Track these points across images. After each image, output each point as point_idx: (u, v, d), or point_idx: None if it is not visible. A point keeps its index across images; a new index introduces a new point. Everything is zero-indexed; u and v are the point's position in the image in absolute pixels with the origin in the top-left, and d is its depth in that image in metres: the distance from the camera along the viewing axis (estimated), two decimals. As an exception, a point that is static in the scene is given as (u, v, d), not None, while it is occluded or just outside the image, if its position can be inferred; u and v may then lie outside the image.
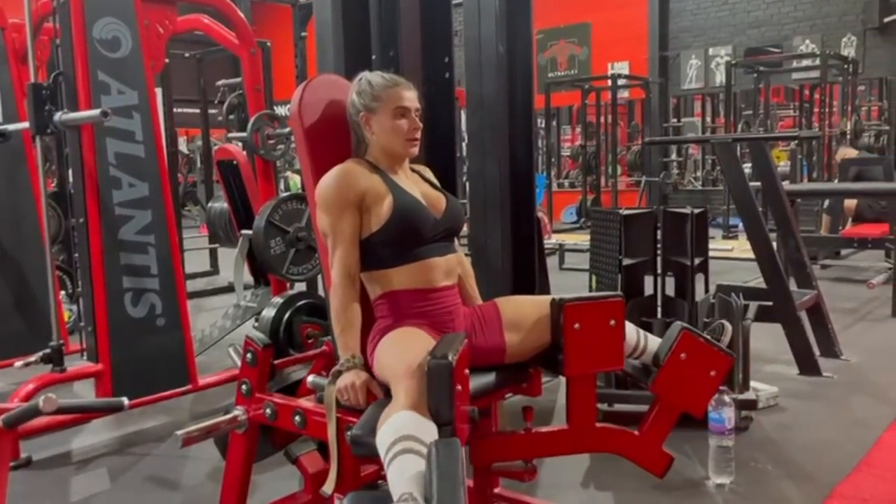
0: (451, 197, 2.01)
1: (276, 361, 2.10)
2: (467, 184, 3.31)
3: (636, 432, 1.87)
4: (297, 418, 1.91)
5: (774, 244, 3.73)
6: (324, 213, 1.87)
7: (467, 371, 1.66)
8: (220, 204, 4.46)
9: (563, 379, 1.89)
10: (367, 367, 1.83)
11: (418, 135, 1.94)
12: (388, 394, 1.77)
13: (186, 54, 7.20)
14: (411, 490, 1.45)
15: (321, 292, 3.73)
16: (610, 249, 3.08)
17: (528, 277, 3.02)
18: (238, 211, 4.08)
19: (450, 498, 1.39)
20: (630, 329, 1.93)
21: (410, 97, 1.93)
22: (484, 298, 2.12)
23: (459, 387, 1.59)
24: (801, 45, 10.88)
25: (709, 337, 1.93)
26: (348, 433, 1.69)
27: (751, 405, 3.01)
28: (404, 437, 1.52)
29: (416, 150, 1.95)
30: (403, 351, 1.72)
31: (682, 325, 1.90)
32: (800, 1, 11.03)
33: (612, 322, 1.81)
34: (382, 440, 1.54)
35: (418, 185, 1.98)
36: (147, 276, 3.03)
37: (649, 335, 1.99)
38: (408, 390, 1.60)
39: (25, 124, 3.00)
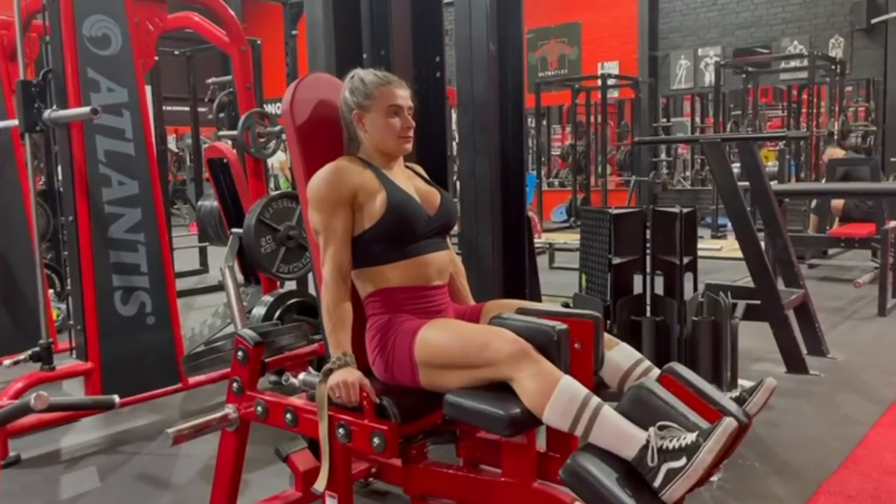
0: (444, 193, 2.01)
1: (266, 360, 2.10)
2: (458, 182, 3.32)
3: None
4: (289, 416, 1.92)
5: (762, 243, 3.75)
6: (316, 211, 1.87)
7: None
8: (211, 202, 4.44)
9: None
10: (362, 365, 1.83)
11: (411, 133, 1.94)
12: (387, 391, 1.78)
13: (176, 52, 7.17)
14: (634, 431, 1.55)
15: (312, 290, 3.73)
16: (600, 248, 3.10)
17: (519, 276, 3.03)
18: (228, 209, 4.07)
19: (689, 414, 1.58)
20: (626, 355, 1.83)
21: (404, 95, 1.94)
22: (474, 296, 2.12)
23: None
24: (789, 46, 10.96)
25: (710, 391, 1.67)
26: (501, 417, 1.61)
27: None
28: (587, 395, 1.60)
29: (409, 147, 1.96)
30: (488, 334, 1.69)
31: (669, 367, 1.72)
32: (788, 2, 11.11)
33: (577, 345, 1.69)
34: (564, 409, 1.59)
35: (411, 180, 1.98)
36: (137, 275, 3.02)
37: (654, 367, 1.81)
38: (538, 363, 1.63)
39: (14, 122, 2.99)
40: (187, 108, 7.53)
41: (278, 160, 11.14)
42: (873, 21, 10.28)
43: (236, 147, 4.00)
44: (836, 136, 8.94)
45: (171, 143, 13.03)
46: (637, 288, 3.11)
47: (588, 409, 1.58)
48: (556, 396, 1.59)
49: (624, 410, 1.62)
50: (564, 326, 1.67)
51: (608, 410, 1.59)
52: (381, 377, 1.86)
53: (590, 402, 1.59)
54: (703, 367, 2.88)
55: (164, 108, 6.72)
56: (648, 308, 3.11)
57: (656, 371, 1.81)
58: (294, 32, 4.91)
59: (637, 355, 1.85)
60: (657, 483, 1.50)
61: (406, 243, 1.87)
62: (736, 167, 5.74)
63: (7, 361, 3.09)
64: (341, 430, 1.78)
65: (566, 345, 1.68)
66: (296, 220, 3.62)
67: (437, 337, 1.76)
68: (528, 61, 13.03)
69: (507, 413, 1.61)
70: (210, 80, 4.39)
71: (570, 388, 1.60)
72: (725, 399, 1.70)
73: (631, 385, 1.77)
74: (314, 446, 2.02)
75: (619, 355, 1.84)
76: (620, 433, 1.57)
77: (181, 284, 5.18)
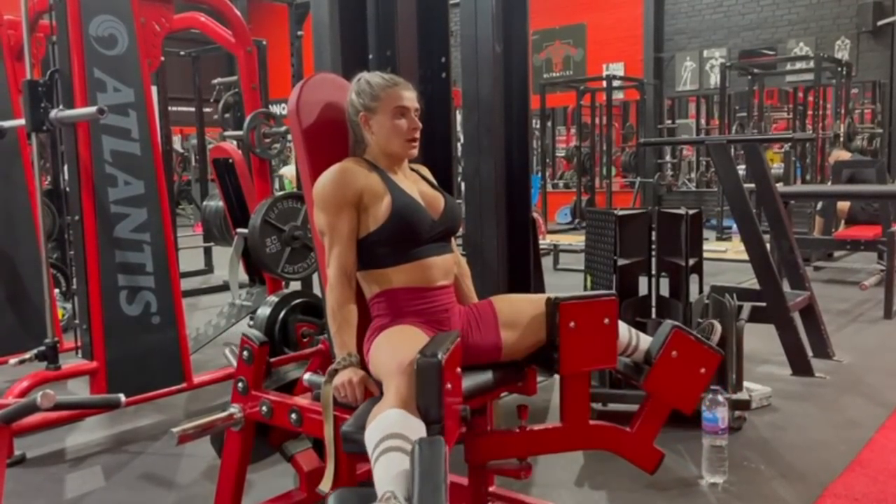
0: (448, 197, 2.01)
1: (271, 360, 2.11)
2: (462, 183, 3.32)
3: (628, 429, 1.89)
4: (294, 416, 1.92)
5: (768, 245, 3.75)
6: (321, 212, 1.87)
7: (459, 370, 1.66)
8: (216, 202, 4.46)
9: (557, 378, 1.90)
10: (364, 366, 1.84)
11: (417, 135, 1.94)
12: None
13: (182, 52, 7.19)
14: (394, 489, 1.45)
15: (316, 291, 3.74)
16: (605, 250, 3.10)
17: (524, 277, 3.03)
18: (233, 209, 4.08)
19: (430, 497, 1.38)
20: (622, 327, 1.94)
21: (410, 97, 1.94)
22: (479, 298, 2.13)
23: (449, 385, 1.59)
24: (795, 48, 10.94)
25: (699, 335, 1.95)
26: (342, 430, 1.69)
27: (744, 405, 3.02)
28: (391, 434, 1.52)
29: (415, 151, 1.96)
30: (397, 349, 1.72)
31: (672, 324, 1.91)
32: (794, 4, 11.09)
33: (606, 320, 1.82)
34: (370, 437, 1.55)
35: (417, 184, 1.98)
36: (142, 274, 3.02)
37: (641, 333, 2.01)
38: (398, 388, 1.60)
39: (21, 121, 2.99)
40: (193, 109, 7.54)
41: (290, 172, 11.10)
42: (879, 23, 10.26)
43: (242, 147, 4.00)
44: (841, 139, 8.91)
45: (177, 144, 13.06)
46: (642, 289, 3.11)
47: (381, 446, 1.51)
48: (375, 423, 1.55)
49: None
50: (437, 359, 1.55)
51: (394, 457, 1.48)
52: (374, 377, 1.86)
53: (387, 441, 1.50)
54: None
55: (169, 108, 6.74)
56: (654, 310, 3.11)
57: (644, 337, 1.99)
58: (300, 33, 4.91)
59: (625, 325, 1.98)
60: None
61: (410, 247, 1.87)
62: (741, 169, 5.74)
63: (13, 360, 3.10)
64: (342, 429, 1.78)
65: (431, 378, 1.56)
66: (301, 221, 3.62)
67: (376, 347, 1.81)
68: (534, 62, 13.03)
69: (345, 427, 1.66)
70: (216, 81, 4.40)
71: (387, 420, 1.54)
72: (710, 343, 1.95)
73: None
74: (319, 446, 2.02)
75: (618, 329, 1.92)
76: (381, 483, 1.48)
77: (186, 284, 5.20)
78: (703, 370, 1.89)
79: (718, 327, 2.16)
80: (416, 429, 1.54)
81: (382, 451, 1.51)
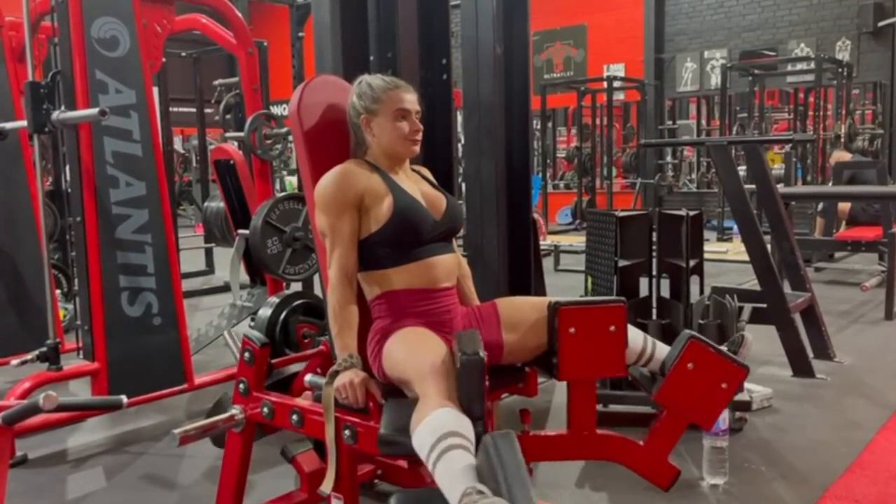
0: (450, 197, 2.02)
1: (273, 361, 2.11)
2: (463, 184, 3.32)
3: (640, 442, 1.83)
4: (295, 417, 1.92)
5: (769, 246, 3.75)
6: (322, 214, 1.88)
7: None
8: (217, 203, 4.46)
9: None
10: (365, 367, 1.84)
11: (419, 136, 1.95)
12: (392, 393, 1.78)
13: (183, 53, 7.19)
14: (471, 484, 1.44)
15: (318, 292, 3.74)
16: (606, 251, 3.10)
17: (524, 278, 3.03)
18: (234, 210, 4.08)
19: (521, 485, 1.40)
20: (636, 335, 1.90)
21: (411, 99, 1.94)
22: (480, 299, 2.13)
23: (487, 382, 1.60)
24: (796, 49, 10.94)
25: (721, 346, 1.87)
26: (379, 434, 1.67)
27: (745, 406, 3.03)
28: (448, 433, 1.51)
29: (417, 150, 1.96)
30: (422, 350, 1.72)
31: (690, 334, 1.84)
32: (795, 4, 11.09)
33: (612, 328, 1.77)
34: (423, 440, 1.53)
35: (418, 184, 1.99)
36: (143, 275, 3.03)
37: (658, 343, 1.95)
38: (438, 388, 1.60)
39: (23, 123, 3.00)
40: (194, 110, 7.55)
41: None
42: (880, 24, 10.26)
43: (243, 148, 4.01)
44: (842, 139, 8.91)
45: (178, 145, 13.06)
46: (643, 291, 3.11)
47: (439, 446, 1.49)
48: (424, 425, 1.54)
49: (478, 460, 1.51)
50: (479, 357, 1.57)
51: (457, 455, 1.48)
52: (381, 379, 1.87)
53: (446, 440, 1.50)
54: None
55: (170, 109, 6.74)
56: (654, 311, 3.11)
57: (662, 346, 1.92)
58: (301, 34, 4.92)
59: (641, 333, 1.94)
60: None
61: (412, 247, 1.88)
62: (742, 170, 5.74)
63: (14, 361, 3.10)
64: (347, 432, 1.78)
65: (475, 376, 1.58)
66: (302, 222, 3.63)
67: (392, 349, 1.80)
68: (534, 63, 13.03)
69: (383, 430, 1.65)
70: (217, 82, 4.41)
71: (439, 419, 1.53)
72: (733, 356, 1.86)
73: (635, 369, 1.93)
74: (320, 447, 2.03)
75: (631, 335, 1.88)
76: (450, 482, 1.47)
77: (187, 285, 5.21)
78: (724, 385, 1.79)
79: (749, 340, 2.04)
80: (467, 425, 1.55)
81: (443, 450, 1.49)
